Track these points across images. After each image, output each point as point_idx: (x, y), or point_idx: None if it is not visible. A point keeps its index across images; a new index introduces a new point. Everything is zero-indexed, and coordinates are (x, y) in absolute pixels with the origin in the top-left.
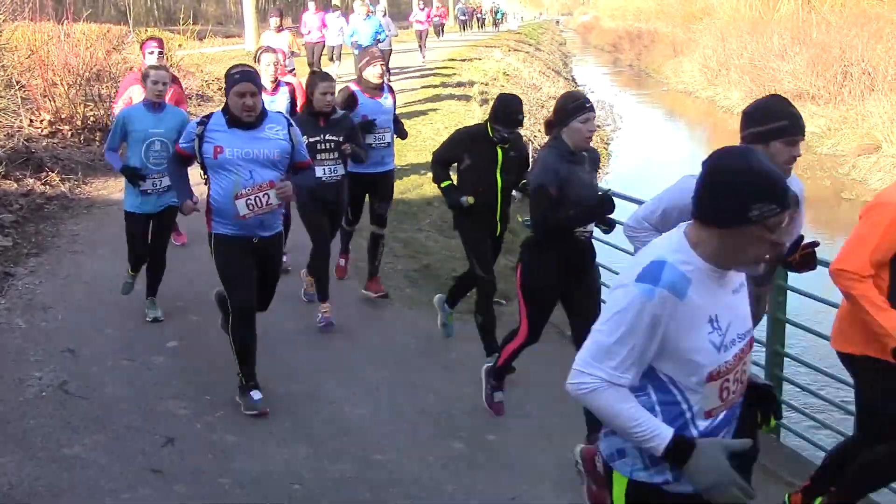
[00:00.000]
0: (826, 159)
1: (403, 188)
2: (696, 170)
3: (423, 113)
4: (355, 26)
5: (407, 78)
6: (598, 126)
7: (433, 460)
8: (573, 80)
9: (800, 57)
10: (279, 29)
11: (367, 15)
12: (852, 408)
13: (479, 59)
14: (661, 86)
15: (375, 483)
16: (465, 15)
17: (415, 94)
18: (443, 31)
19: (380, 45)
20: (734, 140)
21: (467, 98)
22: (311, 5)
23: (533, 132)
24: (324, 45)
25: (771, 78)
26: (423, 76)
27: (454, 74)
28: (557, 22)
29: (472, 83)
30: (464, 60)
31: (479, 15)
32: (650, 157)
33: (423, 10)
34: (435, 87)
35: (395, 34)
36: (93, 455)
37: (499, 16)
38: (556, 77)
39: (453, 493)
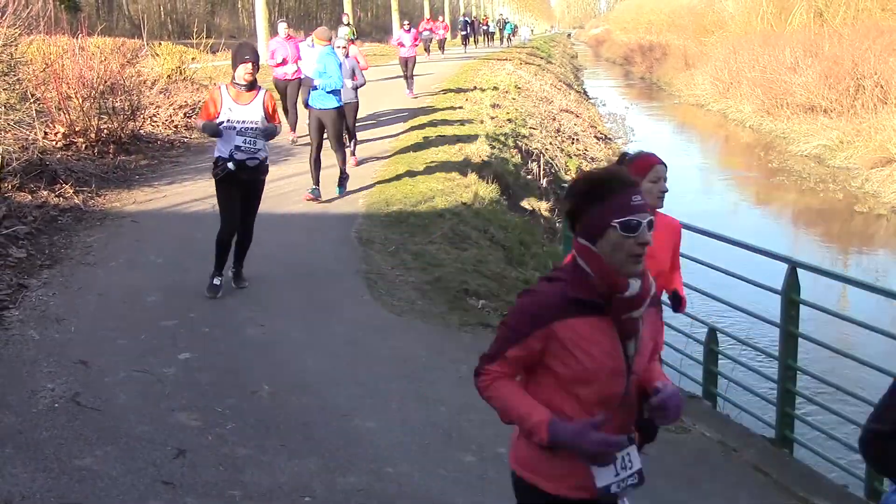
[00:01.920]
0: (839, 172)
1: (415, 200)
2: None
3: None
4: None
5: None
6: (610, 139)
7: (444, 473)
8: (584, 92)
9: (812, 70)
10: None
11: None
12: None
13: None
14: (672, 98)
15: (386, 496)
16: (465, 28)
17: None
18: (443, 47)
19: (343, 93)
20: (746, 152)
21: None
22: (282, 28)
23: (545, 144)
24: (300, 83)
25: (783, 91)
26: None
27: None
28: (569, 35)
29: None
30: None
31: (484, 27)
32: None
33: (408, 31)
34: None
35: (362, 83)
36: (104, 467)
37: (508, 29)
38: (567, 90)
39: None
